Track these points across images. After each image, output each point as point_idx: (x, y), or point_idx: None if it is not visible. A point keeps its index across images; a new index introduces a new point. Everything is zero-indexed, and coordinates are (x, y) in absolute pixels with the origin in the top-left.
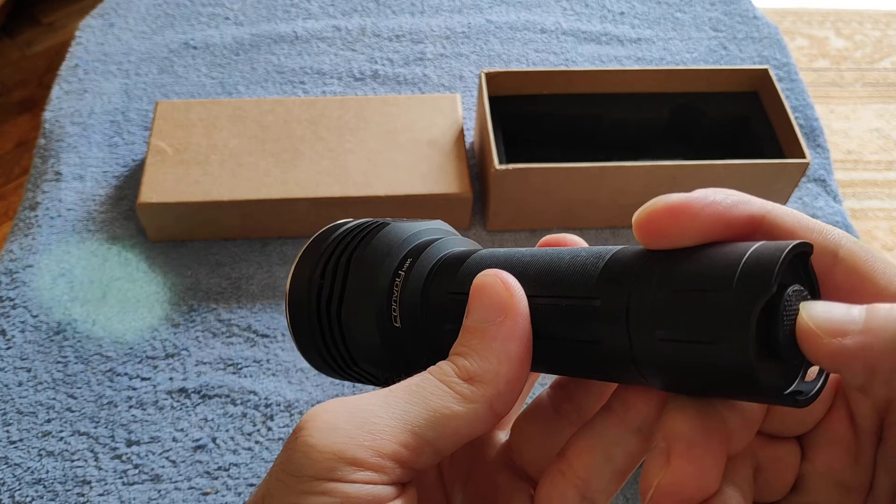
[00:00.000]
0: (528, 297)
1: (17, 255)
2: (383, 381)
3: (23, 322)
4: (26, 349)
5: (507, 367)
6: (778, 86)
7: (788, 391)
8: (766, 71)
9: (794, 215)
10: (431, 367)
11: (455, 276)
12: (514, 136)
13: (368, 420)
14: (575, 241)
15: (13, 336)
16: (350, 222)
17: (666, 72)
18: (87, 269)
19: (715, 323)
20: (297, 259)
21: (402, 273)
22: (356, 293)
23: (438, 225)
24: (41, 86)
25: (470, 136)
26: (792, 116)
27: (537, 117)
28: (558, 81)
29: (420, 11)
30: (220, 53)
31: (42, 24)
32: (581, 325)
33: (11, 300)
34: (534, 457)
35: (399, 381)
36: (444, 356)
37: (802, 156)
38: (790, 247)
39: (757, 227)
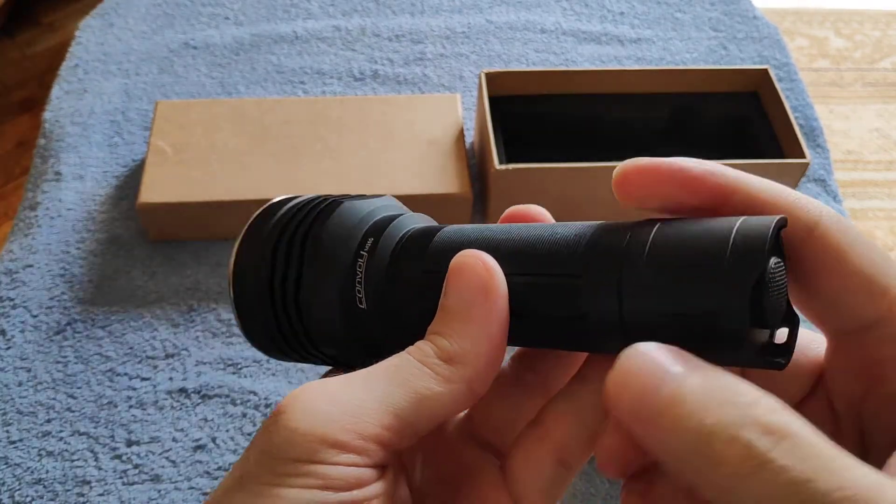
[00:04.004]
0: (506, 274)
1: (16, 255)
2: (344, 363)
3: (23, 322)
4: (26, 349)
5: (486, 347)
6: (778, 86)
7: (769, 356)
8: (766, 71)
9: (773, 188)
10: (410, 348)
11: (425, 253)
12: (514, 136)
13: (351, 402)
14: (539, 212)
15: (13, 336)
16: (293, 199)
17: (666, 72)
18: (87, 269)
19: (711, 296)
20: (239, 239)
21: (365, 253)
22: (316, 274)
23: (390, 202)
24: (41, 86)
25: (470, 136)
26: (792, 116)
27: (537, 117)
28: (558, 81)
29: (420, 11)
30: (220, 53)
31: (42, 24)
32: (566, 302)
33: (11, 300)
34: (499, 427)
35: (364, 363)
36: (414, 334)
37: (802, 156)
38: (776, 221)
39: (728, 199)
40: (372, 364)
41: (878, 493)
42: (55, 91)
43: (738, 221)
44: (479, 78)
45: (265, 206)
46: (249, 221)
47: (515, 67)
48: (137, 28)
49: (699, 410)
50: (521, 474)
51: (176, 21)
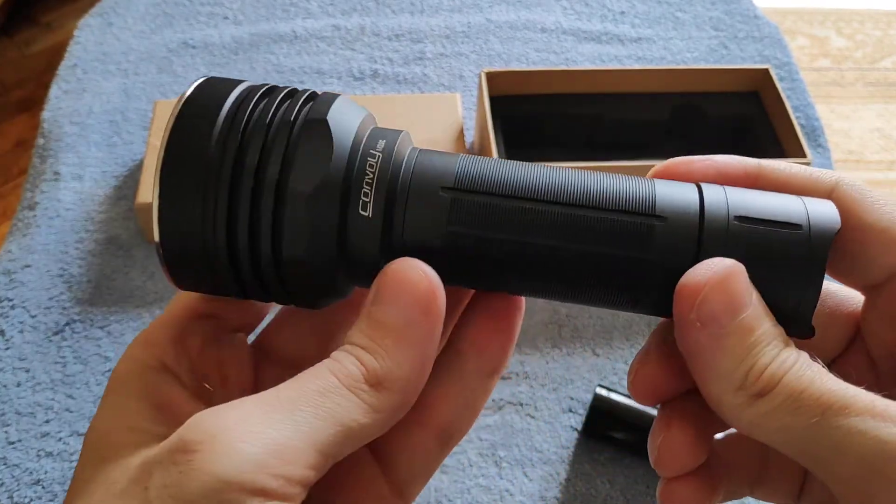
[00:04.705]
0: (564, 205)
1: (15, 255)
2: (304, 302)
3: (21, 322)
4: (25, 349)
5: (419, 374)
6: (779, 85)
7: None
8: (766, 71)
9: (787, 167)
10: (332, 365)
11: (454, 174)
12: (514, 136)
13: (276, 441)
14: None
15: (12, 336)
16: (242, 83)
17: (666, 71)
18: (86, 269)
19: (791, 257)
20: (179, 106)
21: (377, 153)
22: (311, 161)
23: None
24: (40, 85)
25: (470, 136)
26: (793, 116)
27: (537, 117)
28: (559, 81)
29: (420, 11)
30: (219, 53)
31: (41, 24)
32: (637, 242)
33: (10, 300)
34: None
35: (319, 299)
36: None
37: (803, 155)
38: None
39: (754, 181)
40: (327, 302)
41: (854, 397)
42: (54, 91)
43: (806, 201)
44: (480, 77)
45: (199, 86)
46: (185, 97)
47: (516, 67)
48: (136, 27)
49: (750, 345)
50: (403, 460)
51: (175, 20)
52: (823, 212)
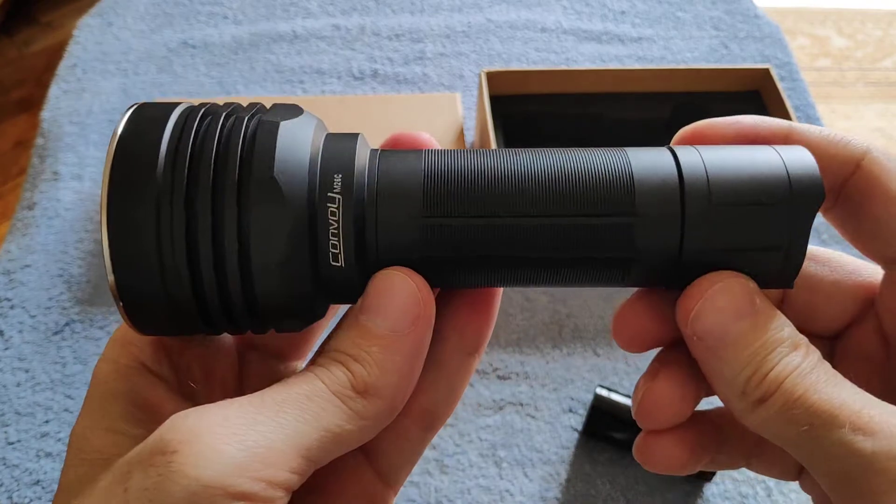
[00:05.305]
0: (538, 216)
1: (14, 255)
2: (288, 328)
3: (21, 322)
4: (24, 349)
5: (406, 383)
6: (779, 85)
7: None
8: (767, 70)
9: (818, 130)
10: (320, 371)
11: (423, 197)
12: (514, 135)
13: (260, 444)
14: (427, 139)
15: (11, 336)
16: (181, 107)
17: (667, 71)
18: (86, 269)
19: (777, 233)
20: (114, 146)
21: (336, 195)
22: (269, 232)
23: (312, 118)
24: (39, 85)
25: (470, 136)
26: (794, 116)
27: (537, 117)
28: (559, 80)
29: (420, 10)
30: (219, 52)
31: (40, 23)
32: (620, 242)
33: (9, 300)
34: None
35: (315, 316)
36: None
37: None
38: (812, 157)
39: (784, 142)
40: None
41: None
42: (53, 90)
43: (783, 155)
44: (480, 77)
45: (133, 116)
46: (121, 135)
47: (516, 66)
48: (136, 27)
49: (749, 356)
50: (387, 447)
51: (174, 20)
52: (804, 170)
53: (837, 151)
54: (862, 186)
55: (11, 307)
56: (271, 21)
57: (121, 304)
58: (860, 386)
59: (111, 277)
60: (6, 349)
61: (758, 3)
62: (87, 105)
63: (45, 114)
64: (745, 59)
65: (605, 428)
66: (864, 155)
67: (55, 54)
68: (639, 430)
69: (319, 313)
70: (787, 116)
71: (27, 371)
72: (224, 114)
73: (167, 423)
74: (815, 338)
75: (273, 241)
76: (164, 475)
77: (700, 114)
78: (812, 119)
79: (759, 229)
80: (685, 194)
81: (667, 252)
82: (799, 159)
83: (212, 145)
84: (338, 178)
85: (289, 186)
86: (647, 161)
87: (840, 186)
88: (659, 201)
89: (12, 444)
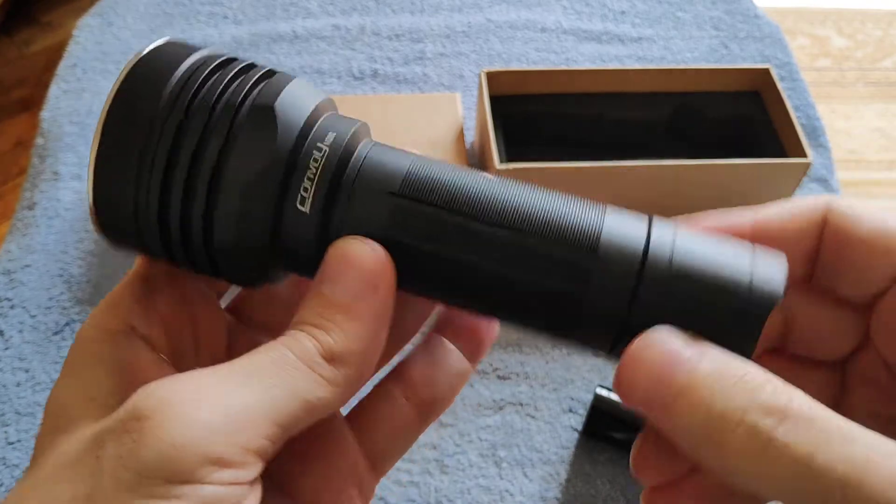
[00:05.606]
0: (507, 228)
1: (14, 255)
2: (237, 279)
3: (21, 322)
4: (24, 349)
5: (372, 347)
6: (779, 85)
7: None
8: (767, 70)
9: (778, 211)
10: (287, 341)
11: (403, 176)
12: (514, 135)
13: (232, 408)
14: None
15: (11, 336)
16: (200, 50)
17: (667, 71)
18: (86, 269)
19: (729, 323)
20: (130, 66)
21: (324, 147)
22: (252, 149)
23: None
24: (39, 85)
25: (470, 136)
26: (794, 116)
27: (537, 117)
28: (559, 81)
29: (420, 10)
30: None
31: (40, 23)
32: (571, 278)
33: (9, 300)
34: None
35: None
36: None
37: (804, 155)
38: (786, 265)
39: (750, 232)
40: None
41: (875, 465)
42: (53, 90)
43: (755, 252)
44: (480, 77)
45: (145, 58)
46: (129, 68)
47: (516, 66)
48: (136, 27)
49: (709, 397)
50: (382, 428)
51: (175, 20)
52: (770, 274)
53: (801, 221)
54: (834, 236)
55: (11, 307)
56: (271, 21)
57: (93, 206)
58: (870, 411)
59: (89, 184)
60: (6, 349)
61: (758, 3)
62: (87, 105)
63: (45, 114)
64: (745, 59)
65: (605, 428)
66: (828, 205)
67: (55, 54)
68: (639, 430)
69: (273, 273)
70: (787, 116)
71: (27, 371)
72: (247, 62)
73: (140, 391)
74: (825, 365)
75: (250, 166)
76: (137, 441)
77: (700, 114)
78: (812, 119)
79: (710, 318)
80: (648, 255)
81: (614, 313)
82: (768, 260)
83: (223, 79)
84: (331, 135)
85: (284, 122)
86: (621, 220)
87: (814, 251)
88: (620, 253)
89: (12, 444)
